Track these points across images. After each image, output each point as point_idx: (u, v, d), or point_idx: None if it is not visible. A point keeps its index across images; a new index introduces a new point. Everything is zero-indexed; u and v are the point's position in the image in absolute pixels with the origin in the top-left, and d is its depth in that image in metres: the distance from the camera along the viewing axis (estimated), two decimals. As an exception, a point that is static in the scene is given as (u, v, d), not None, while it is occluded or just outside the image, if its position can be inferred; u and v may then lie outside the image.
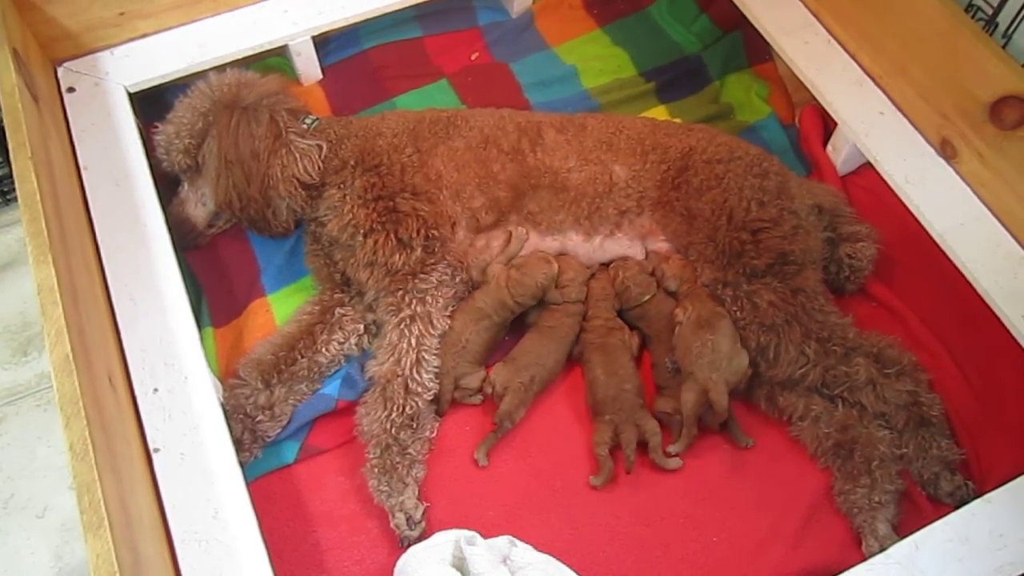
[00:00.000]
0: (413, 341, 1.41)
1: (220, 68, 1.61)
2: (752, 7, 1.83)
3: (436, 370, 1.43)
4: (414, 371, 1.39)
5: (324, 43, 1.93)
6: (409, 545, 1.25)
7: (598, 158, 1.54)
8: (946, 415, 1.40)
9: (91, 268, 1.36)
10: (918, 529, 1.23)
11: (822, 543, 1.32)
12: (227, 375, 1.47)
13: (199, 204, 1.60)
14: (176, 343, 1.33)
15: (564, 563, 1.21)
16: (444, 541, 1.18)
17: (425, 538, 1.23)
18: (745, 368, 1.40)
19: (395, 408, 1.36)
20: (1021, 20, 1.48)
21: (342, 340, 1.50)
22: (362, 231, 1.47)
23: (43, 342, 1.46)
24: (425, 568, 1.15)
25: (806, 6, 1.82)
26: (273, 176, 1.50)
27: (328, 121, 1.61)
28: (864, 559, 1.24)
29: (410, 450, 1.36)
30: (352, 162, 1.52)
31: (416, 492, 1.34)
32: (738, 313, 1.43)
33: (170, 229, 1.48)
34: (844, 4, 1.73)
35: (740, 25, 1.95)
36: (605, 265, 1.59)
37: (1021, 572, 1.19)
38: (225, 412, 1.32)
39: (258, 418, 1.40)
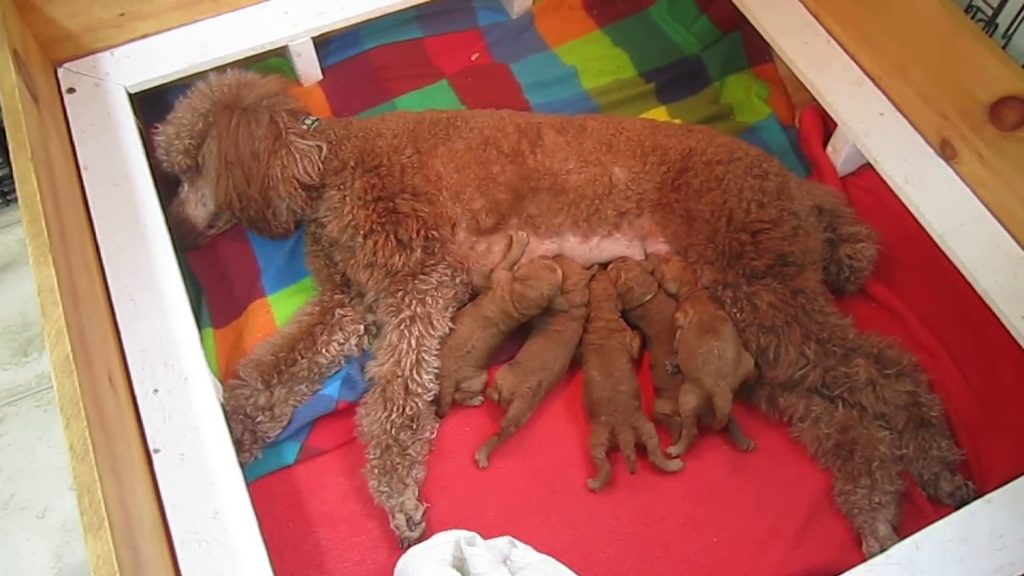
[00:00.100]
0: (413, 342, 1.41)
1: (220, 69, 1.61)
2: (752, 7, 1.83)
3: (436, 371, 1.42)
4: (414, 372, 1.39)
5: (324, 44, 1.93)
6: (409, 546, 1.25)
7: (598, 159, 1.54)
8: (946, 415, 1.40)
9: (91, 268, 1.36)
10: (918, 530, 1.23)
11: (822, 544, 1.32)
12: (227, 376, 1.47)
13: (199, 205, 1.60)
14: (176, 344, 1.33)
15: (564, 564, 1.21)
16: (444, 542, 1.18)
17: (425, 539, 1.23)
18: (751, 369, 1.40)
19: (395, 409, 1.36)
20: (1021, 21, 1.48)
21: (342, 341, 1.50)
22: (362, 232, 1.47)
23: (43, 342, 1.46)
24: (425, 569, 1.15)
25: (806, 7, 1.82)
26: (273, 177, 1.50)
27: (328, 122, 1.61)
28: (864, 560, 1.24)
29: (410, 451, 1.36)
30: (352, 163, 1.52)
31: (416, 493, 1.34)
32: (738, 314, 1.43)
33: (170, 229, 1.48)
34: (844, 4, 1.74)
35: (740, 26, 1.95)
36: (603, 266, 1.59)
37: (1021, 572, 1.19)
38: (225, 413, 1.32)
39: (258, 419, 1.40)
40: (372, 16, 1.86)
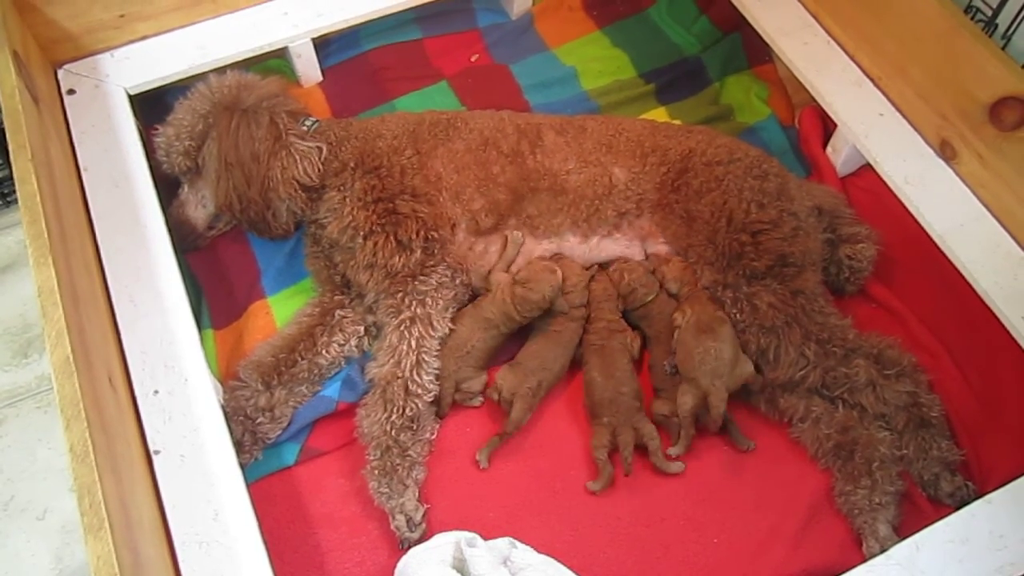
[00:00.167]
0: (413, 343, 1.41)
1: (220, 70, 1.61)
2: (751, 8, 1.84)
3: (436, 372, 1.42)
4: (414, 373, 1.39)
5: (324, 45, 1.93)
6: (409, 547, 1.25)
7: (597, 160, 1.54)
8: (946, 416, 1.40)
9: (91, 270, 1.36)
10: (919, 530, 1.23)
11: (822, 544, 1.32)
12: (227, 377, 1.47)
13: (199, 206, 1.60)
14: (176, 345, 1.33)
15: (564, 564, 1.21)
16: (444, 543, 1.18)
17: (425, 540, 1.23)
18: (749, 375, 1.40)
19: (395, 410, 1.36)
20: (1020, 21, 1.48)
21: (342, 342, 1.50)
22: (362, 233, 1.47)
23: (43, 344, 1.47)
24: (425, 569, 1.15)
25: (805, 7, 1.82)
26: (273, 178, 1.50)
27: (328, 123, 1.62)
28: (864, 560, 1.24)
29: (410, 452, 1.36)
30: (352, 164, 1.52)
31: (416, 494, 1.34)
32: (738, 315, 1.43)
33: (170, 231, 1.48)
34: (843, 5, 1.74)
35: (739, 26, 1.95)
36: (602, 266, 1.59)
37: (1021, 573, 1.19)
38: (225, 414, 1.32)
39: (258, 420, 1.40)
40: (372, 17, 1.86)
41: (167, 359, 1.32)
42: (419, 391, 1.39)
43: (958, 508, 1.28)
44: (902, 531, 1.28)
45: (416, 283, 1.44)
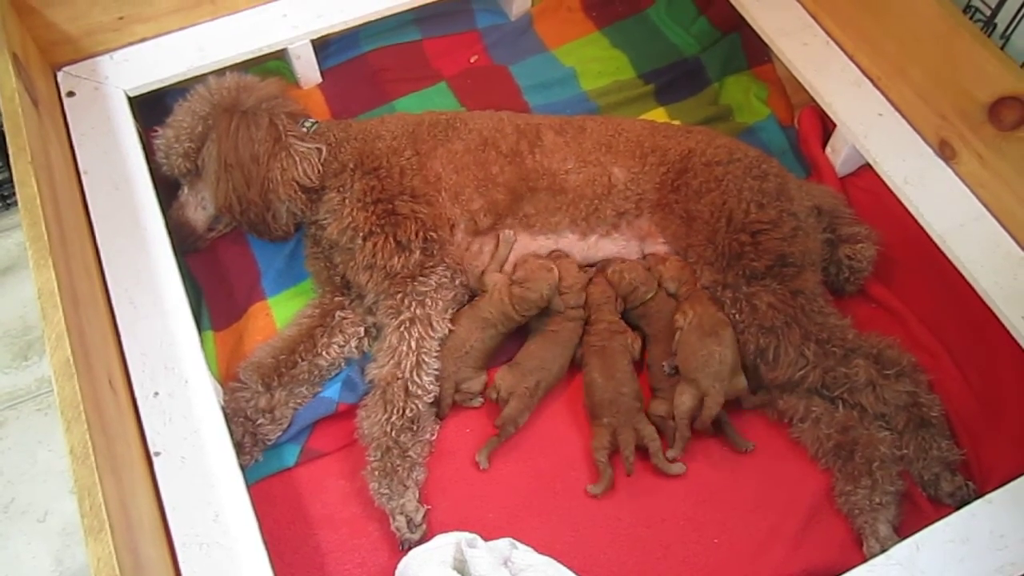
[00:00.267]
0: (413, 344, 1.41)
1: (219, 72, 1.61)
2: (751, 8, 1.84)
3: (436, 373, 1.42)
4: (414, 374, 1.39)
5: (323, 46, 1.93)
6: (410, 548, 1.25)
7: (597, 160, 1.54)
8: (946, 416, 1.40)
9: (91, 272, 1.36)
10: (919, 530, 1.23)
11: (823, 544, 1.32)
12: (227, 378, 1.47)
13: (199, 208, 1.60)
14: (176, 346, 1.33)
15: (565, 565, 1.21)
16: (445, 543, 1.18)
17: (426, 541, 1.23)
18: (743, 388, 1.41)
19: (395, 411, 1.36)
20: (1019, 21, 1.48)
21: (342, 343, 1.50)
22: (361, 234, 1.47)
23: (43, 346, 1.47)
24: (426, 570, 1.15)
25: (804, 7, 1.82)
26: (273, 180, 1.50)
27: (327, 124, 1.62)
28: (865, 560, 1.24)
29: (411, 453, 1.36)
30: (351, 165, 1.52)
31: (417, 495, 1.34)
32: (737, 315, 1.43)
33: (170, 233, 1.48)
34: (843, 5, 1.74)
35: (739, 27, 1.95)
36: (598, 265, 1.59)
37: (1022, 573, 1.19)
38: (226, 415, 1.32)
39: (259, 421, 1.40)
40: (371, 18, 1.86)
41: (167, 361, 1.32)
42: (419, 392, 1.39)
43: (958, 508, 1.28)
44: (902, 531, 1.28)
45: (415, 284, 1.44)
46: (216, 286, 1.61)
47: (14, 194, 1.28)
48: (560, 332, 1.49)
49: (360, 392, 1.47)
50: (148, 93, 1.71)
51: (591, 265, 1.59)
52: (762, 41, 1.85)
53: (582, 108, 1.88)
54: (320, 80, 1.92)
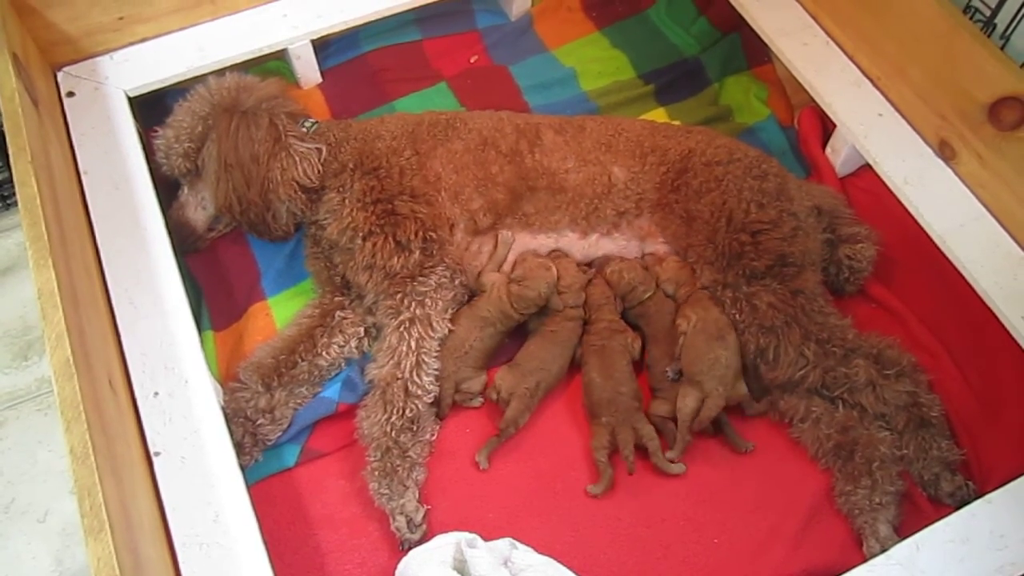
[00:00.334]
0: (413, 344, 1.41)
1: (219, 72, 1.61)
2: (750, 9, 1.84)
3: (436, 373, 1.42)
4: (414, 374, 1.39)
5: (323, 46, 1.93)
6: (410, 548, 1.25)
7: (597, 159, 1.54)
8: (946, 416, 1.40)
9: (91, 272, 1.36)
10: (919, 530, 1.23)
11: (823, 544, 1.32)
12: (227, 378, 1.47)
13: (199, 208, 1.60)
14: (176, 347, 1.33)
15: (565, 565, 1.21)
16: (445, 543, 1.18)
17: (426, 541, 1.23)
18: (744, 395, 1.42)
19: (395, 411, 1.36)
20: (1019, 21, 1.48)
21: (342, 343, 1.50)
22: (361, 234, 1.47)
23: (43, 346, 1.47)
24: (426, 570, 1.15)
25: (804, 8, 1.82)
26: (273, 180, 1.50)
27: (327, 124, 1.62)
28: (865, 560, 1.24)
29: (410, 453, 1.36)
30: (351, 165, 1.53)
31: (417, 495, 1.34)
32: (737, 315, 1.43)
33: (170, 233, 1.48)
34: (842, 5, 1.74)
35: (739, 27, 1.95)
36: (595, 263, 1.59)
37: (1022, 573, 1.19)
38: (225, 415, 1.32)
39: (259, 421, 1.40)
40: (371, 19, 1.86)
41: (167, 361, 1.32)
42: (419, 392, 1.39)
43: (958, 508, 1.28)
44: (902, 531, 1.28)
45: (415, 284, 1.44)
46: (216, 286, 1.62)
47: (14, 194, 1.28)
48: (559, 332, 1.49)
49: (360, 392, 1.47)
50: (148, 93, 1.71)
51: (591, 264, 1.59)
52: (762, 41, 1.85)
53: (582, 108, 1.88)
54: (320, 80, 1.92)
